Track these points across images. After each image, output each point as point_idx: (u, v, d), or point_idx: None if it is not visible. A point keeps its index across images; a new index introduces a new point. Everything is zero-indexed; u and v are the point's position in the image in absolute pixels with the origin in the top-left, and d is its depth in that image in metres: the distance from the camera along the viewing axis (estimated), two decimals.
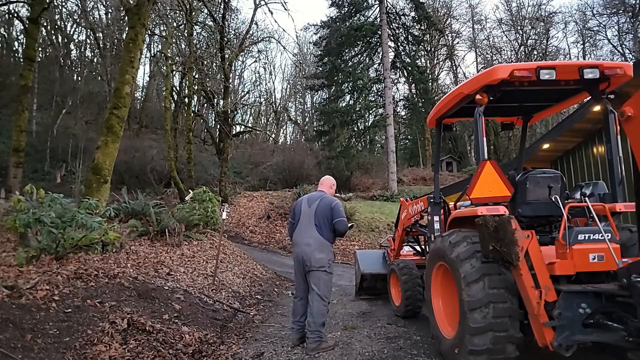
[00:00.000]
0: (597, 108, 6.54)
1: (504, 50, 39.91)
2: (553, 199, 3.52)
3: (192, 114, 26.21)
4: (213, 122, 33.06)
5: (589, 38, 39.13)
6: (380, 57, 29.23)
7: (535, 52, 38.69)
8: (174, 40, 24.15)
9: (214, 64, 26.04)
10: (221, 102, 23.79)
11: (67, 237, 5.04)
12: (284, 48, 52.61)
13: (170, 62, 23.03)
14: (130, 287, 4.60)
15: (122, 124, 9.38)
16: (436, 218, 4.71)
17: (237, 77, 38.40)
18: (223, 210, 7.14)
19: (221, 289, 6.37)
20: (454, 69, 42.03)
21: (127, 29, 10.52)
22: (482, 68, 41.11)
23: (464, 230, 3.57)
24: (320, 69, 30.21)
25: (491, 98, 3.56)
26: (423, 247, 6.20)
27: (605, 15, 36.77)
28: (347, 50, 30.01)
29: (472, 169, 32.84)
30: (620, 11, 35.75)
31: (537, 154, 11.29)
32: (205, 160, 30.01)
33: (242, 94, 37.24)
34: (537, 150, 11.25)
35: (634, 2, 34.64)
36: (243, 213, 19.50)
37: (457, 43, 42.21)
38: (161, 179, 25.69)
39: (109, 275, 4.69)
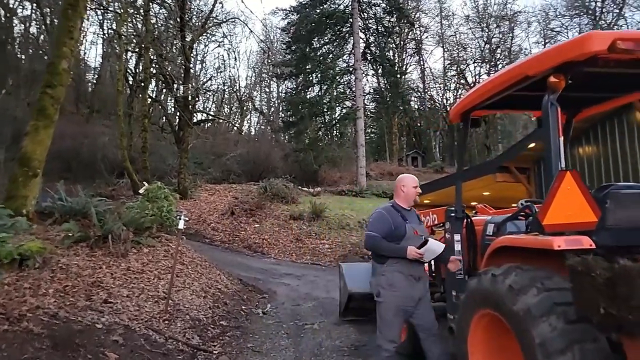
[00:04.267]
0: None
1: (469, 47, 39.94)
2: None
3: (149, 100, 24.17)
4: (172, 109, 30.95)
5: (550, 39, 39.83)
6: (351, 47, 28.23)
7: (499, 51, 39.02)
8: (128, 18, 21.95)
9: (174, 46, 24.10)
10: (181, 87, 22.00)
11: None
12: (251, 31, 50.47)
13: (124, 41, 20.91)
14: (44, 334, 3.27)
15: (56, 106, 7.76)
16: (457, 237, 3.69)
17: (199, 62, 36.16)
18: (180, 218, 5.80)
19: (176, 318, 5.07)
20: (422, 63, 41.76)
21: None
22: (448, 65, 41.22)
23: (525, 267, 2.53)
24: (289, 56, 28.79)
25: (569, 82, 2.52)
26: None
27: (567, 17, 37.42)
28: (317, 39, 28.78)
29: (436, 164, 32.64)
30: (582, 13, 36.45)
31: (522, 154, 10.65)
32: (163, 150, 27.95)
33: (204, 80, 35.13)
34: (521, 150, 10.61)
35: (594, 5, 35.47)
36: (204, 208, 17.97)
37: (426, 37, 41.89)
38: (113, 169, 23.53)
39: (11, 316, 3.33)
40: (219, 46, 36.15)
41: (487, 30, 39.14)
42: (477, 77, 39.11)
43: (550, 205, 2.42)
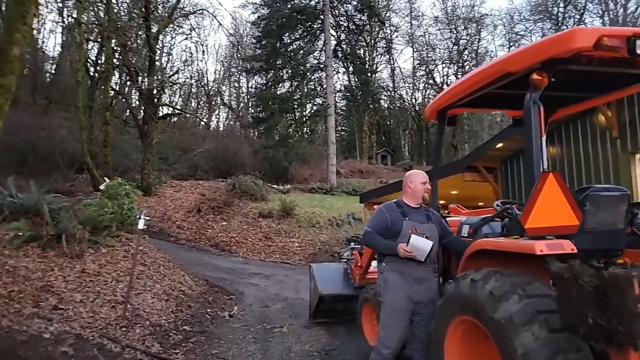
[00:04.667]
0: None
1: (438, 48, 40.62)
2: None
3: (112, 92, 23.14)
4: (137, 102, 29.82)
5: (514, 42, 41.04)
6: (322, 43, 28.06)
7: (466, 52, 39.91)
8: (89, 6, 20.88)
9: (139, 37, 23.18)
10: (146, 80, 21.20)
11: None
12: (220, 24, 49.12)
13: (84, 29, 19.87)
14: None
15: (7, 96, 7.13)
16: None
17: (165, 54, 34.96)
18: (139, 218, 5.44)
19: (135, 324, 4.75)
20: (392, 63, 42.10)
21: None
22: (417, 64, 41.77)
23: (506, 272, 2.42)
24: (259, 51, 28.30)
25: (553, 79, 2.42)
26: None
27: (531, 21, 38.67)
28: (287, 34, 28.42)
29: (405, 163, 33.00)
30: (545, 18, 37.76)
31: (490, 153, 10.82)
32: (126, 144, 26.87)
33: (171, 73, 34.03)
34: (490, 149, 10.78)
35: (556, 11, 36.82)
36: (169, 205, 17.38)
37: (396, 37, 42.26)
38: (72, 164, 22.37)
39: None
40: (186, 39, 35.07)
41: (455, 32, 39.93)
42: (445, 77, 39.89)
43: (532, 208, 2.31)
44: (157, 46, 27.50)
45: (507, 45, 38.50)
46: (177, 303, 6.13)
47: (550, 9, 37.31)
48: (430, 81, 40.74)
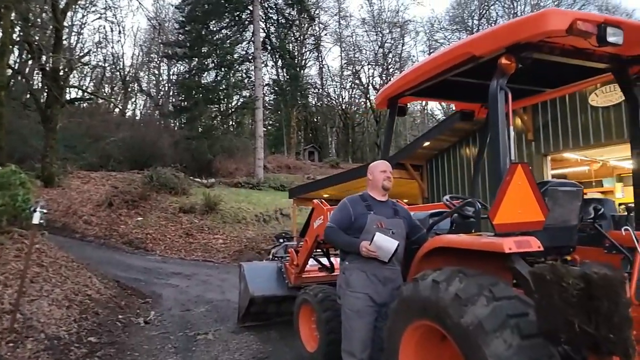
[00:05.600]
0: None
1: (364, 49, 41.66)
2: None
3: (9, 70, 20.26)
4: (40, 84, 26.54)
5: (434, 49, 43.39)
6: (251, 34, 27.23)
7: (390, 55, 41.39)
8: None
9: (44, 12, 20.59)
10: (51, 58, 18.86)
11: None
12: (140, 4, 45.51)
13: None
14: None
15: None
16: None
17: (75, 33, 31.58)
18: (35, 211, 4.56)
19: (27, 337, 3.94)
20: (321, 60, 42.29)
21: None
22: (345, 64, 42.45)
23: (469, 272, 2.22)
24: (182, 36, 26.68)
25: (520, 65, 2.26)
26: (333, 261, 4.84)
27: (449, 31, 41.20)
28: (214, 21, 27.15)
29: (332, 159, 33.30)
30: (462, 29, 40.42)
31: (417, 152, 11.10)
32: (25, 129, 23.80)
33: (82, 53, 30.82)
34: (417, 148, 11.05)
35: (471, 23, 39.63)
36: (75, 198, 15.62)
37: (325, 35, 42.52)
38: None
39: None
40: (100, 18, 32.01)
41: (380, 35, 41.20)
42: (370, 78, 41.00)
43: (501, 203, 2.13)
44: (66, 23, 24.70)
45: (428, 52, 40.56)
46: (81, 310, 5.29)
47: (466, 21, 40.07)
48: (357, 81, 41.70)
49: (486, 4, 37.93)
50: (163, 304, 6.75)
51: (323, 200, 4.36)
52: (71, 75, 29.03)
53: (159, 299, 7.07)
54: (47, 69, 18.92)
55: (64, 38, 29.44)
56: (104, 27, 39.56)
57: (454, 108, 4.14)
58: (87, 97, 28.80)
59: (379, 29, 41.48)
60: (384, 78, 39.69)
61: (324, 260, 4.85)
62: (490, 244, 2.14)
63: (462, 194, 10.15)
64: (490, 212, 2.15)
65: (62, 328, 4.57)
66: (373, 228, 2.83)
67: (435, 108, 39.41)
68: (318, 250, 4.72)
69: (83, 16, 30.87)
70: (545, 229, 2.35)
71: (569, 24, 2.04)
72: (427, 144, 10.72)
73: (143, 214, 14.87)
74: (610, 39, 2.11)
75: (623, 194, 9.94)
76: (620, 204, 10.19)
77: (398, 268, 2.92)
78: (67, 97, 26.79)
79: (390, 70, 40.01)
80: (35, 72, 27.50)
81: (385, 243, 2.71)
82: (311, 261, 4.87)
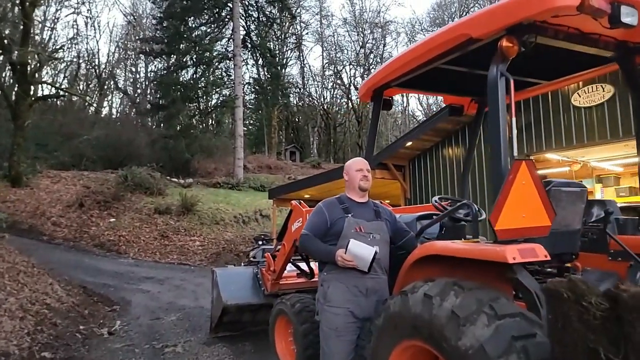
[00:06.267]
0: None
1: (346, 49, 41.53)
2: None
3: None
4: (10, 80, 25.39)
5: None
6: (231, 31, 26.67)
7: (372, 56, 41.36)
8: None
9: (15, 5, 19.68)
10: (17, 52, 18.00)
11: None
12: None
13: None
14: None
15: None
16: None
17: (48, 28, 30.39)
18: None
19: None
20: (302, 59, 41.95)
21: None
22: (326, 63, 42.20)
23: (465, 284, 1.93)
24: (160, 32, 25.95)
25: (523, 48, 1.99)
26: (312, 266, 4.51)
27: (430, 32, 41.40)
28: (193, 18, 26.50)
29: (314, 160, 32.96)
30: None
31: (399, 152, 10.92)
32: None
33: (54, 48, 29.67)
34: (399, 147, 10.86)
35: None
36: (44, 199, 14.90)
37: (306, 34, 42.23)
38: None
39: None
40: (74, 12, 30.87)
41: (362, 35, 41.13)
42: (352, 79, 40.88)
43: (503, 205, 1.85)
44: (38, 17, 23.75)
45: None
46: (37, 321, 4.82)
47: (446, 22, 40.31)
48: (339, 81, 41.51)
49: (466, 6, 38.24)
50: (131, 312, 6.31)
51: (302, 202, 4.03)
52: (44, 72, 28.05)
53: (128, 307, 6.62)
54: (15, 61, 18.06)
55: (36, 33, 28.41)
56: (76, 22, 38.44)
57: (443, 103, 3.88)
58: (60, 94, 27.76)
59: (360, 29, 41.44)
60: (365, 78, 39.52)
61: (303, 266, 4.52)
62: (491, 253, 1.85)
63: (445, 194, 10.03)
64: (491, 216, 1.87)
65: (13, 342, 4.12)
66: (351, 233, 2.52)
67: (416, 109, 39.55)
68: (297, 255, 4.39)
69: (57, 10, 29.85)
70: (551, 234, 2.09)
71: (581, 0, 1.78)
72: (409, 143, 10.55)
73: (116, 215, 14.27)
74: (624, 19, 1.85)
75: (602, 195, 9.95)
76: None
77: (383, 277, 2.59)
78: (40, 93, 25.78)
79: (372, 70, 39.93)
80: (7, 67, 26.38)
81: (362, 250, 2.39)
82: (289, 266, 4.54)
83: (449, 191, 9.88)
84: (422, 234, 2.69)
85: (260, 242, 9.29)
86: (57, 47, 29.90)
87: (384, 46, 41.66)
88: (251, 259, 8.29)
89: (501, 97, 1.99)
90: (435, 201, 2.84)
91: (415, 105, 38.39)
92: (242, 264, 9.09)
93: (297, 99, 41.03)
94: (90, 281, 8.11)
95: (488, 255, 1.85)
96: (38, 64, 20.02)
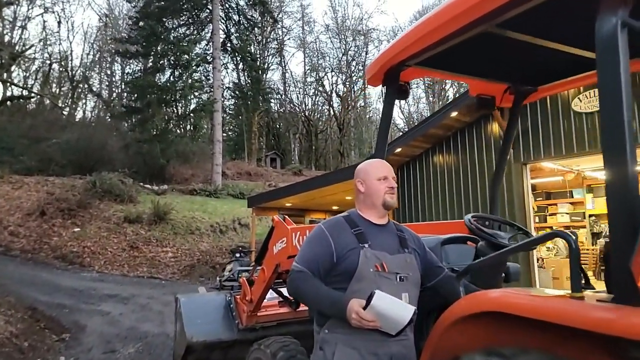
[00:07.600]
0: None
1: (328, 56, 41.19)
2: None
3: None
4: None
5: None
6: (210, 33, 25.85)
7: (354, 63, 41.05)
8: None
9: None
10: None
11: None
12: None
13: None
14: None
15: None
16: None
17: (18, 27, 28.93)
18: None
19: None
20: (284, 65, 41.34)
21: None
22: (308, 70, 41.63)
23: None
24: (136, 32, 24.91)
25: None
26: None
27: None
28: (170, 19, 25.60)
29: (295, 166, 32.19)
30: None
31: (387, 158, 10.25)
32: None
33: (24, 48, 28.23)
34: (388, 154, 10.22)
35: None
36: (2, 206, 13.74)
37: (288, 39, 41.68)
38: None
39: None
40: (46, 12, 29.50)
41: (344, 42, 40.82)
42: (334, 86, 40.43)
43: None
44: (9, 17, 22.53)
45: None
46: None
47: None
48: (320, 88, 41.01)
49: None
50: (83, 342, 5.39)
51: (286, 217, 3.25)
52: (14, 73, 26.69)
53: (80, 334, 5.69)
54: None
55: (5, 33, 27.00)
56: (46, 22, 36.96)
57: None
58: (28, 94, 26.37)
59: (342, 36, 41.17)
60: (347, 86, 39.26)
61: (287, 292, 3.71)
62: (616, 324, 1.09)
63: (436, 203, 9.44)
64: (634, 263, 1.10)
65: None
66: (369, 273, 1.66)
67: (397, 117, 39.19)
68: (279, 280, 3.58)
69: (28, 9, 28.46)
70: None
71: None
72: (398, 150, 9.97)
73: (81, 225, 13.18)
74: None
75: (593, 205, 9.58)
76: (590, 215, 9.80)
77: (411, 336, 1.73)
78: (9, 93, 24.45)
79: (354, 78, 39.66)
80: None
81: (393, 308, 1.55)
82: (270, 293, 3.73)
83: (439, 200, 9.33)
84: (467, 273, 1.87)
85: (237, 255, 8.48)
86: (27, 47, 28.54)
87: (366, 54, 41.43)
88: (227, 272, 7.47)
89: (624, 61, 1.21)
90: (470, 220, 2.10)
91: (397, 113, 38.05)
92: (217, 278, 8.26)
93: (278, 105, 40.37)
94: (43, 301, 7.13)
95: (610, 328, 1.09)
96: (2, 62, 18.82)
